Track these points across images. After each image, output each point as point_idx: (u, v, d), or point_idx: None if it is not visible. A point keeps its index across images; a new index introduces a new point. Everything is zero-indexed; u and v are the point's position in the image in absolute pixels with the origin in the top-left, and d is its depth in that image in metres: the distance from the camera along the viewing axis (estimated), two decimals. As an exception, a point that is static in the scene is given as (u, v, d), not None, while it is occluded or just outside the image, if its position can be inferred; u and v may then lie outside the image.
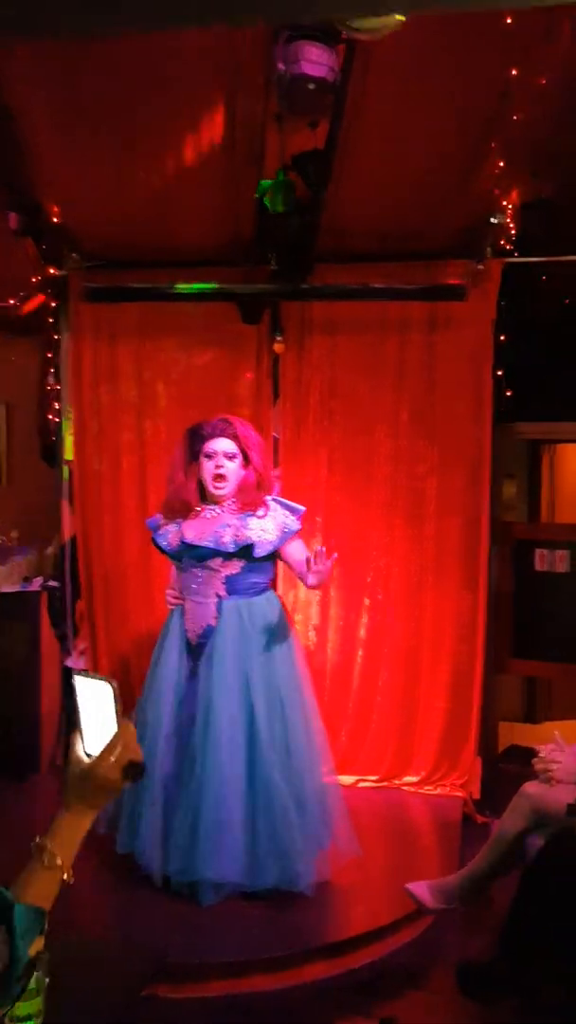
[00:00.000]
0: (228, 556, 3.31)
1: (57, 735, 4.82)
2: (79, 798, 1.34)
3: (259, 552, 3.31)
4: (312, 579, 3.11)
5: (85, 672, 1.39)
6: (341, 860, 3.44)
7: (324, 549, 3.07)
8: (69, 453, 4.80)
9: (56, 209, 4.23)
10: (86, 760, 1.35)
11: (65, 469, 4.82)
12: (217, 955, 2.99)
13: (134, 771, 1.34)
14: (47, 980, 1.27)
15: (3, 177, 3.92)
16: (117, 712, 1.34)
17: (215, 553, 3.32)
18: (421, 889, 3.09)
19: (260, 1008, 2.88)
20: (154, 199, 4.01)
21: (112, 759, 1.33)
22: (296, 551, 3.35)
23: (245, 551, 3.31)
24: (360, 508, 4.63)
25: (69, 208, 4.23)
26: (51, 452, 4.89)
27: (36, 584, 4.84)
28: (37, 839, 1.31)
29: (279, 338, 4.51)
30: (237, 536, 3.31)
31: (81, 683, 1.38)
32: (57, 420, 4.81)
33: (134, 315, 4.69)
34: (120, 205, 4.09)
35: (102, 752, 1.33)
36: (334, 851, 3.43)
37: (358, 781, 4.56)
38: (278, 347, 4.52)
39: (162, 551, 3.48)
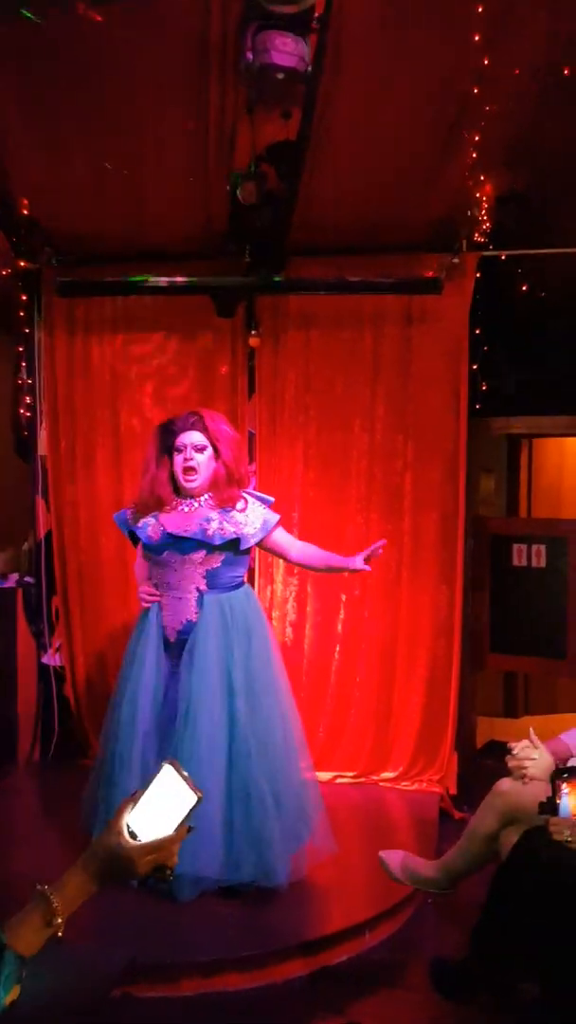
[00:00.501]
0: (212, 549, 3.30)
1: (34, 732, 4.78)
2: (99, 865, 1.34)
3: (244, 545, 3.33)
4: (360, 563, 3.32)
5: (181, 770, 1.36)
6: (318, 857, 3.43)
7: (385, 542, 3.36)
8: (43, 448, 4.76)
9: (26, 202, 4.17)
10: (126, 835, 1.34)
11: (39, 464, 4.78)
12: (193, 954, 2.97)
13: (161, 874, 1.35)
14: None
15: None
16: (183, 822, 1.34)
17: (200, 545, 3.30)
18: (395, 860, 3.07)
19: (236, 1007, 2.86)
20: (126, 192, 3.97)
21: (151, 857, 1.33)
22: (282, 537, 3.47)
23: (230, 544, 3.32)
24: (336, 503, 4.61)
25: (40, 201, 4.18)
26: (25, 447, 4.85)
27: (11, 581, 4.82)
28: (45, 888, 1.30)
29: (254, 332, 4.48)
30: (222, 530, 3.30)
31: (168, 774, 1.36)
32: (30, 415, 4.76)
33: (108, 309, 4.66)
34: (92, 198, 4.05)
35: (148, 845, 1.33)
36: (311, 848, 3.42)
37: (335, 777, 4.56)
38: (253, 341, 4.49)
39: (140, 543, 3.44)
